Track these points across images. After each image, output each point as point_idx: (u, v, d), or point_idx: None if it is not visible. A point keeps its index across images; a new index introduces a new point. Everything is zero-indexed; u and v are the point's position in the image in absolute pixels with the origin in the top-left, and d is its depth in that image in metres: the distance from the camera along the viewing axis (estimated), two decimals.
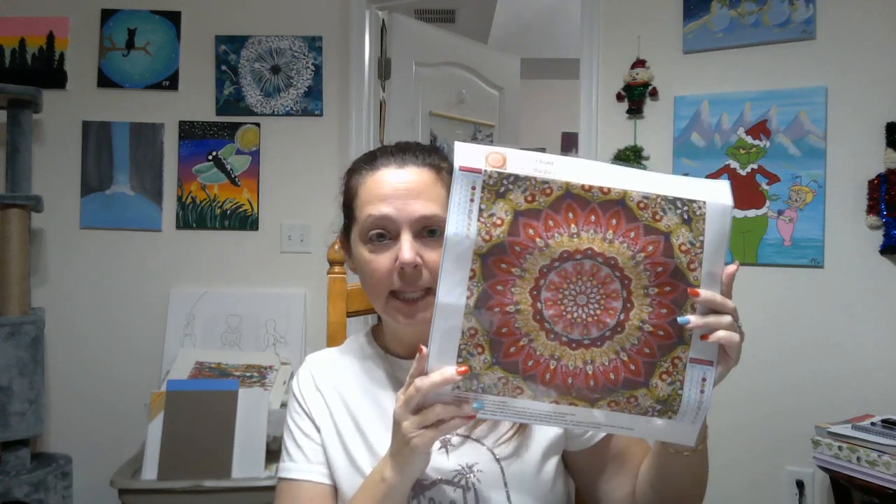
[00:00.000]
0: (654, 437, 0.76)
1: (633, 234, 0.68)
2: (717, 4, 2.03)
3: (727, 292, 0.70)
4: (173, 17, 2.47)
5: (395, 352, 0.95)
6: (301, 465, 0.91)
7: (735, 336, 0.70)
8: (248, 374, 2.21)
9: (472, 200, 0.67)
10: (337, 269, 1.15)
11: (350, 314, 1.15)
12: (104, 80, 2.46)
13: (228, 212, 2.44)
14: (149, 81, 2.46)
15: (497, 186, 0.67)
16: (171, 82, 2.46)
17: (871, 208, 1.84)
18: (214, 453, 1.96)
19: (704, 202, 0.69)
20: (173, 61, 2.46)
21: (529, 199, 0.67)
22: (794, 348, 1.94)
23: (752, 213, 1.98)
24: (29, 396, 2.10)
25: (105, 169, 2.44)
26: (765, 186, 1.97)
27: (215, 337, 2.36)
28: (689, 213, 0.69)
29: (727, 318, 0.69)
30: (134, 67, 2.47)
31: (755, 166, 1.98)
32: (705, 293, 0.68)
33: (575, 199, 0.68)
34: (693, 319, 0.68)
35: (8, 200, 2.15)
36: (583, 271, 0.69)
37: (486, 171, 0.67)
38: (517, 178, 0.67)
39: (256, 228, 2.45)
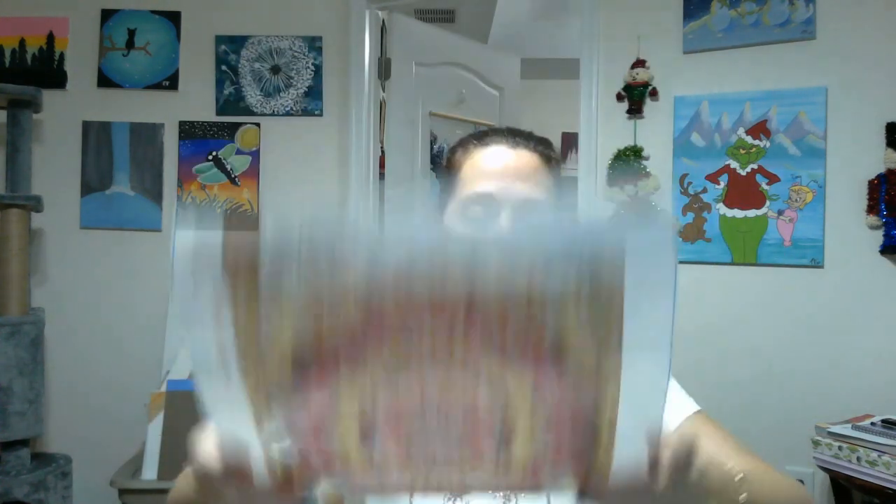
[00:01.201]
0: None
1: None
2: (717, 4, 2.03)
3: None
4: (173, 17, 2.46)
5: None
6: None
7: None
8: None
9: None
10: None
11: None
12: (104, 80, 2.46)
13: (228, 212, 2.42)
14: (149, 81, 2.46)
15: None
16: (171, 82, 2.45)
17: (871, 208, 1.83)
18: None
19: None
20: (173, 61, 2.46)
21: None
22: (793, 348, 1.94)
23: (752, 212, 1.98)
24: (29, 396, 2.09)
25: (105, 169, 2.44)
26: (765, 186, 1.97)
27: None
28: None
29: None
30: (134, 67, 2.46)
31: (755, 166, 1.98)
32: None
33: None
34: None
35: (8, 200, 2.15)
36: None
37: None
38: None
39: (256, 229, 2.43)
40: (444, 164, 0.87)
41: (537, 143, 0.83)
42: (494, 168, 0.79)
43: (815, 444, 1.66)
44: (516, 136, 0.82)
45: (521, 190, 0.77)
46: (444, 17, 4.15)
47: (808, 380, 1.92)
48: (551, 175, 0.82)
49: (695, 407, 0.81)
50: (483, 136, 0.84)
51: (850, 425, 1.64)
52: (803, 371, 1.92)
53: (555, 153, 0.84)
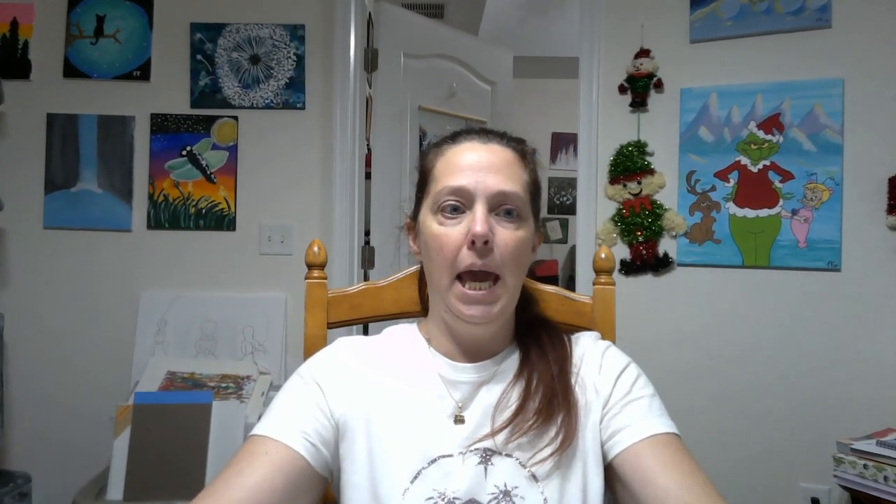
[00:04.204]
0: None
1: None
2: None
3: None
4: (145, 3, 2.35)
5: (442, 353, 0.86)
6: (276, 424, 0.79)
7: None
8: (223, 385, 2.09)
9: None
10: (316, 272, 1.01)
11: (331, 325, 1.01)
12: (71, 70, 2.35)
13: (203, 211, 2.33)
14: (118, 71, 2.35)
15: None
16: (143, 72, 2.35)
17: (892, 208, 1.78)
18: (186, 472, 1.85)
19: None
20: (145, 50, 2.35)
21: None
22: (809, 357, 1.88)
23: (764, 212, 1.93)
24: None
25: (71, 165, 2.32)
26: (778, 184, 1.91)
27: (189, 344, 2.25)
28: None
29: None
30: (103, 56, 2.35)
31: (767, 162, 1.92)
32: None
33: None
34: None
35: None
36: None
37: None
38: None
39: (233, 229, 2.34)
40: (417, 168, 0.91)
41: (510, 140, 0.87)
42: (467, 162, 0.82)
43: (838, 461, 1.56)
44: (489, 133, 0.87)
45: (494, 182, 0.80)
46: (432, 13, 4.08)
47: (824, 391, 1.87)
48: (527, 170, 0.85)
49: (666, 428, 0.78)
50: (456, 135, 0.88)
51: (874, 441, 1.55)
52: (818, 382, 1.88)
53: (529, 149, 0.88)
